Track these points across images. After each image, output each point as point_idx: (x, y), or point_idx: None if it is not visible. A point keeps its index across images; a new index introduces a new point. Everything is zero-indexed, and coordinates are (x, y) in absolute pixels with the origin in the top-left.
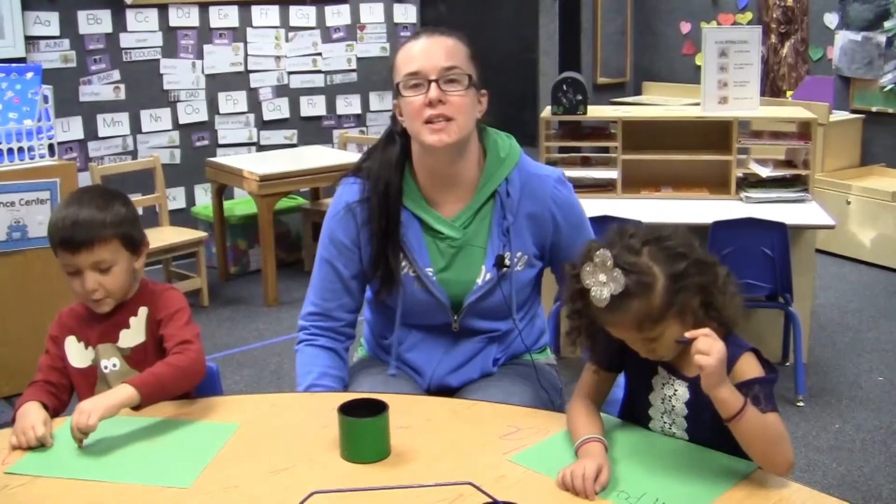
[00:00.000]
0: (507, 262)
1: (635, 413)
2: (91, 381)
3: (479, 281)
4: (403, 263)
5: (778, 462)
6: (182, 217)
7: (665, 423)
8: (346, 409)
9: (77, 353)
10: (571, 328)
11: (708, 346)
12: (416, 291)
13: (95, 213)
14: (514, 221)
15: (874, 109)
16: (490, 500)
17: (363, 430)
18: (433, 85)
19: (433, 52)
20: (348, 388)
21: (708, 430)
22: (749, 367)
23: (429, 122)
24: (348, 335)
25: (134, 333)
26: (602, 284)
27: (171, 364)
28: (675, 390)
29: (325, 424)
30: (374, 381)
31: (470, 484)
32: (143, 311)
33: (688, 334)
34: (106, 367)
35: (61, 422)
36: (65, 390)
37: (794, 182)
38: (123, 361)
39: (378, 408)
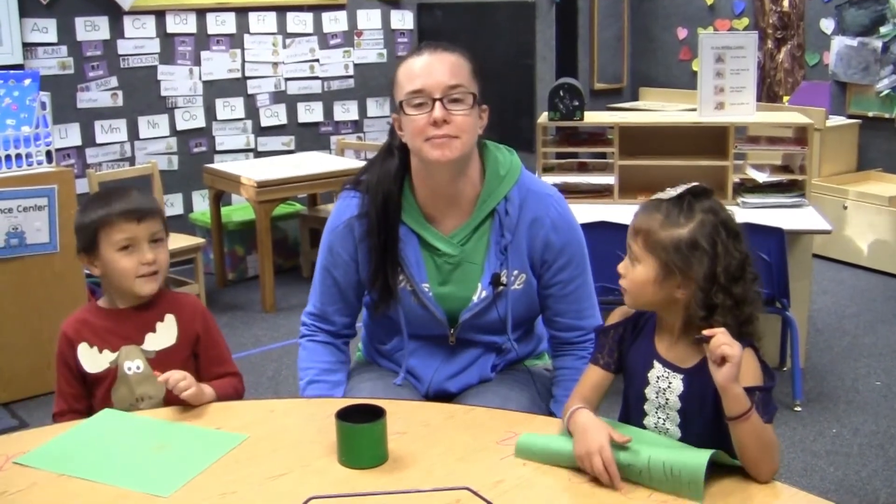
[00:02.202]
0: (503, 280)
1: (631, 409)
2: (108, 383)
3: (475, 298)
4: (401, 278)
5: (764, 470)
6: (180, 223)
7: (659, 418)
8: (344, 415)
9: (91, 359)
10: None
11: (730, 340)
12: (413, 306)
13: (148, 194)
14: (512, 240)
15: (870, 114)
16: None
17: (360, 436)
18: (438, 104)
19: (436, 69)
20: (347, 394)
21: (699, 424)
22: (749, 367)
23: (431, 138)
24: (347, 336)
25: (161, 338)
26: (665, 193)
27: (237, 389)
28: (670, 383)
29: (323, 430)
30: (374, 386)
31: (467, 489)
32: (170, 318)
33: (706, 332)
34: (129, 369)
35: (71, 425)
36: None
37: (790, 187)
38: (147, 364)
39: (375, 413)
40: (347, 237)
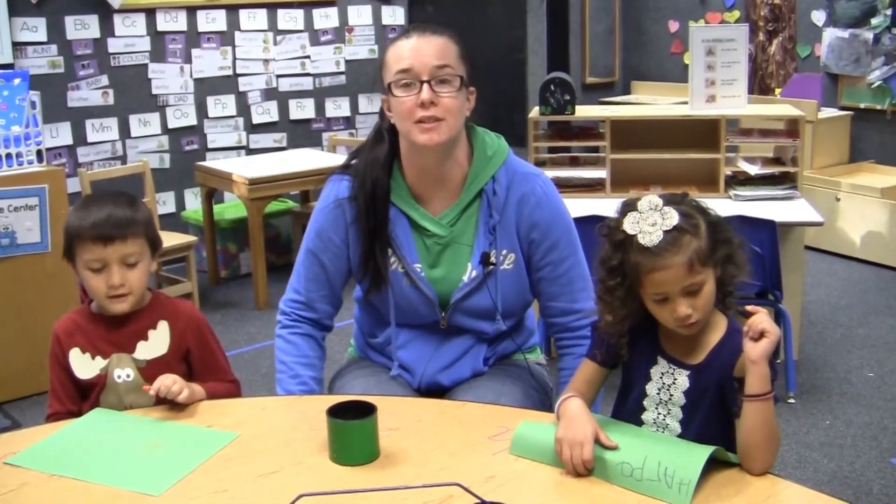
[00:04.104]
0: (492, 259)
1: (629, 405)
2: (98, 390)
3: (466, 278)
4: (392, 259)
5: (762, 459)
6: (172, 221)
7: (660, 413)
8: (335, 412)
9: (82, 365)
10: (606, 290)
11: (770, 320)
12: (404, 288)
13: (127, 210)
14: (500, 219)
15: (862, 106)
16: (478, 500)
17: (352, 433)
18: (425, 86)
19: (424, 51)
20: (339, 391)
21: (700, 420)
22: None
23: (419, 121)
24: (327, 327)
25: (152, 346)
26: (652, 226)
27: (231, 393)
28: (675, 379)
29: (314, 427)
30: (366, 382)
31: (458, 485)
32: (163, 325)
33: (749, 308)
34: (119, 377)
35: (62, 424)
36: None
37: (782, 179)
38: (137, 373)
39: (367, 410)
40: (339, 217)
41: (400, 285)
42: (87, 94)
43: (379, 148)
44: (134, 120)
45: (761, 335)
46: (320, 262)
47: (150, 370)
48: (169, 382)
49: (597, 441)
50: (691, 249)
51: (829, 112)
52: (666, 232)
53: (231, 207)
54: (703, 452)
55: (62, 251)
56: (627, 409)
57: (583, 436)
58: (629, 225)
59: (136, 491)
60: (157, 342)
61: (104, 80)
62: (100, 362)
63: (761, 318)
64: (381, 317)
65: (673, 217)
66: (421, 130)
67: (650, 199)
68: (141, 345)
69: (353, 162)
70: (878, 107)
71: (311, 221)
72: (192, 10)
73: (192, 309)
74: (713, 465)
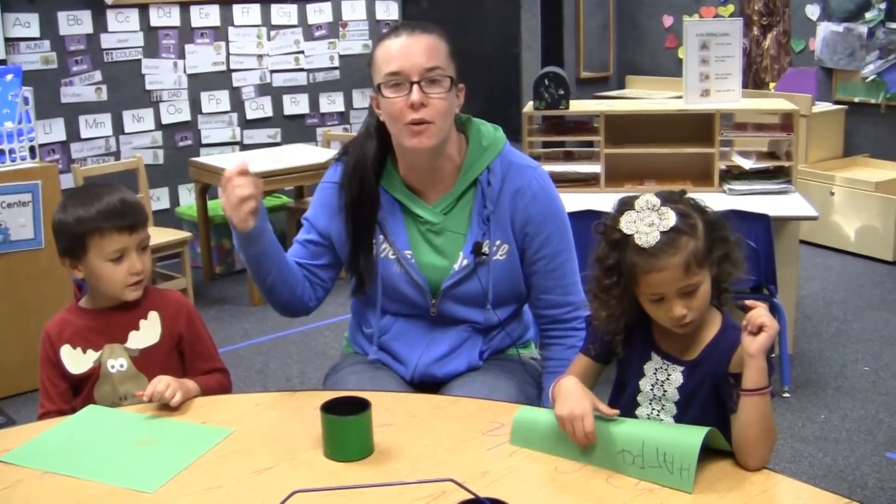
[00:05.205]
0: (484, 249)
1: (623, 400)
2: (91, 382)
3: (456, 266)
4: (384, 246)
5: (758, 454)
6: (166, 217)
7: (653, 409)
8: (329, 408)
9: (74, 360)
10: (602, 288)
11: (769, 314)
12: (393, 274)
13: (131, 195)
14: (494, 210)
15: (857, 100)
16: (472, 496)
17: (346, 429)
18: (415, 87)
19: (414, 51)
20: (334, 387)
21: (695, 416)
22: None
23: (409, 123)
24: (316, 287)
25: (144, 336)
26: (649, 227)
27: (223, 385)
28: (669, 375)
29: (309, 423)
30: (360, 378)
31: (452, 481)
32: (153, 315)
33: (748, 302)
34: (112, 367)
35: (55, 421)
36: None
37: (777, 174)
38: (130, 363)
39: (361, 406)
40: (334, 199)
41: (390, 271)
42: (80, 89)
43: (368, 145)
44: (127, 116)
45: (760, 329)
46: (317, 231)
47: (143, 359)
48: (162, 388)
49: (598, 413)
50: (688, 250)
51: (823, 106)
52: (663, 233)
53: None
54: (697, 434)
55: (61, 250)
56: (621, 404)
57: (581, 409)
58: (626, 224)
59: (130, 488)
60: (148, 331)
61: (97, 75)
62: (92, 355)
63: (760, 312)
64: (373, 304)
65: (670, 217)
66: (411, 134)
67: (647, 199)
68: (133, 335)
69: (346, 155)
70: (873, 101)
71: (315, 195)
72: (185, 6)
73: (179, 297)
74: (709, 459)
